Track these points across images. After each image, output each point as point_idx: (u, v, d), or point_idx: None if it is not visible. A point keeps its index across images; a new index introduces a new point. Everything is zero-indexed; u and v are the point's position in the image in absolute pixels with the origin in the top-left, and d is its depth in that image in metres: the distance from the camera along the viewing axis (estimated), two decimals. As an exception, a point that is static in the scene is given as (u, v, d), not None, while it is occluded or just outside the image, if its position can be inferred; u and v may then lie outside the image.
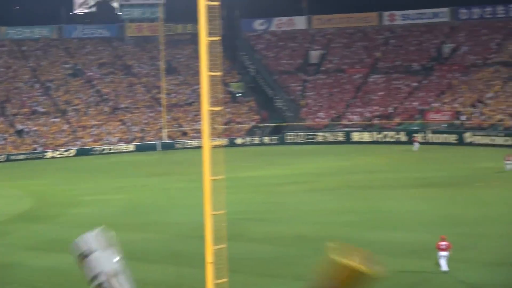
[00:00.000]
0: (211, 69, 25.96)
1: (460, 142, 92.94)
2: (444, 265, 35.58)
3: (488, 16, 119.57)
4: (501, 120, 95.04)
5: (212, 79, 26.40)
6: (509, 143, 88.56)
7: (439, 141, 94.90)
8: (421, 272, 36.02)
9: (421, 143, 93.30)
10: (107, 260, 6.16)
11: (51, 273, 39.37)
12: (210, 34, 25.71)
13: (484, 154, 78.59)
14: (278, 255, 40.98)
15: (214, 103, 26.58)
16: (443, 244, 35.72)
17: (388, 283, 34.61)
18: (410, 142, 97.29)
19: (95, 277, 6.67)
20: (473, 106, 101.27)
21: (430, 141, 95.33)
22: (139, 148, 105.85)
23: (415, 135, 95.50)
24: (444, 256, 35.55)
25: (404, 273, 35.88)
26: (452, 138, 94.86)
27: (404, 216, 49.72)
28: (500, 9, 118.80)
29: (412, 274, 35.53)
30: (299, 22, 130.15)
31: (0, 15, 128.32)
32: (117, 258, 7.10)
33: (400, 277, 35.29)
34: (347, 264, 2.76)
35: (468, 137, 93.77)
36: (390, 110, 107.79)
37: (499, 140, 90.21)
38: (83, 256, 6.31)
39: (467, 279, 34.72)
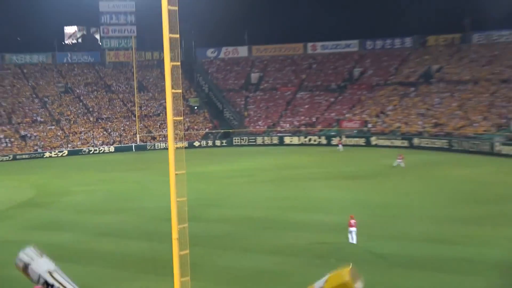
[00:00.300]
0: (173, 87, 26.06)
1: (368, 144, 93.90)
2: (352, 239, 36.26)
3: (388, 46, 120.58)
4: (398, 127, 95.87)
5: (175, 95, 26.50)
6: (405, 144, 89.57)
7: (351, 143, 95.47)
8: (336, 243, 36.42)
9: (336, 145, 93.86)
10: (45, 263, 6.47)
11: (50, 247, 39.03)
12: (172, 60, 25.81)
13: (385, 154, 79.31)
14: (228, 232, 41.09)
15: (176, 114, 26.68)
16: (352, 222, 36.39)
17: (311, 252, 35.13)
18: (329, 144, 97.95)
19: (39, 278, 6.83)
20: (377, 116, 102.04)
21: (344, 143, 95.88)
22: (118, 149, 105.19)
23: (339, 138, 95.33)
24: (352, 231, 36.27)
25: (324, 244, 36.41)
26: (361, 141, 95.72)
27: (325, 202, 50.15)
28: (397, 41, 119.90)
29: (330, 245, 35.96)
30: (242, 51, 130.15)
31: (5, 44, 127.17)
32: (51, 262, 7.32)
33: (320, 247, 35.92)
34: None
35: (373, 140, 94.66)
36: (313, 119, 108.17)
37: (397, 143, 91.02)
38: (26, 266, 6.54)
39: (372, 249, 35.13)
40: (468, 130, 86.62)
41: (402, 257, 33.16)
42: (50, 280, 3.23)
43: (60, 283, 3.17)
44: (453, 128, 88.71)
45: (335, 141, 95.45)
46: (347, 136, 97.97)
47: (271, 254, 35.05)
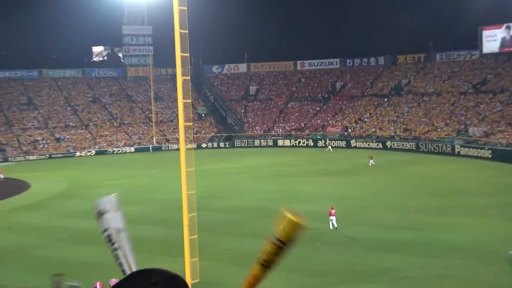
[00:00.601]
0: (184, 98, 26.01)
1: (348, 146, 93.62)
2: (332, 225, 36.83)
3: (365, 64, 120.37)
4: (374, 132, 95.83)
5: (185, 104, 26.44)
6: (379, 146, 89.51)
7: (334, 145, 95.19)
8: (319, 229, 36.46)
9: (321, 147, 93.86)
10: (115, 219, 6.23)
11: (82, 232, 39.15)
12: (184, 74, 25.79)
13: (362, 154, 79.18)
14: (230, 220, 41.14)
15: (187, 120, 26.63)
16: (332, 211, 36.99)
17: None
18: (316, 146, 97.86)
19: (105, 230, 6.68)
20: (356, 122, 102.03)
21: (330, 145, 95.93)
22: (137, 150, 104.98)
23: (329, 141, 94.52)
24: (333, 219, 36.86)
25: (310, 230, 36.30)
26: (343, 143, 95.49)
27: (311, 194, 50.23)
28: (372, 59, 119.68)
29: (313, 231, 35.87)
30: (242, 67, 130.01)
31: (43, 61, 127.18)
32: (122, 219, 7.12)
33: (307, 232, 35.77)
34: (292, 217, 2.79)
35: (353, 143, 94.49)
36: (302, 125, 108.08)
37: (373, 145, 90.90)
38: (100, 214, 6.33)
39: (351, 235, 35.19)
40: (432, 134, 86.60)
41: (376, 242, 33.20)
42: (114, 238, 3.10)
43: (121, 246, 3.06)
44: (419, 133, 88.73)
45: (327, 143, 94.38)
46: (330, 139, 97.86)
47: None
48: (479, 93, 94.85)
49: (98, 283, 18.05)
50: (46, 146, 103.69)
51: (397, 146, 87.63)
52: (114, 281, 17.90)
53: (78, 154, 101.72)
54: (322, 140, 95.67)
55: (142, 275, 2.30)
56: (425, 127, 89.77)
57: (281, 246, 2.56)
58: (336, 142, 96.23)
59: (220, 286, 26.39)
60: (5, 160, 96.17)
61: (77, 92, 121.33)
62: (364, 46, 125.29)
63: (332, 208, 37.22)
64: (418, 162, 71.47)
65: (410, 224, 36.97)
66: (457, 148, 77.88)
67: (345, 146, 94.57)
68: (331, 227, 36.71)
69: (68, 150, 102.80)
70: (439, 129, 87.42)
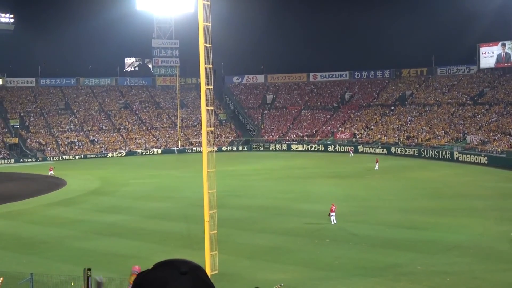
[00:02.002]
0: (207, 105, 25.89)
1: (356, 151, 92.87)
2: (333, 221, 37.00)
3: (372, 76, 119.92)
4: (379, 138, 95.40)
5: (208, 111, 26.34)
6: (384, 152, 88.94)
7: (344, 150, 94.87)
8: (323, 224, 36.50)
9: (331, 152, 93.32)
10: None
11: (112, 226, 39.20)
12: (207, 84, 25.68)
13: (369, 159, 78.77)
14: (247, 217, 40.95)
15: (209, 125, 26.52)
16: (333, 208, 37.34)
17: (311, 233, 34.83)
18: (326, 150, 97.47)
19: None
20: (363, 130, 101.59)
21: (338, 150, 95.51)
22: (164, 152, 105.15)
23: (350, 147, 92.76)
24: (333, 215, 37.16)
25: (314, 225, 36.30)
26: (348, 148, 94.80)
27: (321, 195, 49.78)
28: (378, 72, 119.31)
29: (318, 226, 35.98)
30: (260, 78, 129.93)
31: (80, 70, 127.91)
32: None
33: (311, 227, 35.69)
34: None
35: (360, 148, 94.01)
36: (314, 131, 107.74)
37: (378, 150, 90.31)
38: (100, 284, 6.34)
39: (357, 233, 34.87)
40: (433, 142, 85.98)
41: (381, 239, 32.87)
42: None
43: None
44: (421, 140, 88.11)
45: (349, 149, 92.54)
46: (339, 145, 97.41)
47: (280, 234, 34.85)
48: (477, 105, 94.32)
49: (137, 267, 17.79)
50: (81, 147, 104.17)
51: (400, 152, 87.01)
52: (137, 268, 17.66)
53: (110, 155, 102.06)
54: (350, 147, 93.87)
55: (170, 265, 2.20)
56: (426, 135, 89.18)
57: None
58: (345, 147, 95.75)
59: (237, 278, 26.21)
60: (44, 159, 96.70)
61: (110, 99, 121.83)
62: (372, 60, 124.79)
63: (333, 205, 37.39)
64: (420, 167, 70.87)
65: (413, 224, 36.58)
66: (456, 154, 77.20)
67: (353, 151, 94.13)
68: (332, 223, 36.79)
69: (101, 151, 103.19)
70: (439, 137, 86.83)
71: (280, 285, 17.76)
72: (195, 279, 2.15)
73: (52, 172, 72.01)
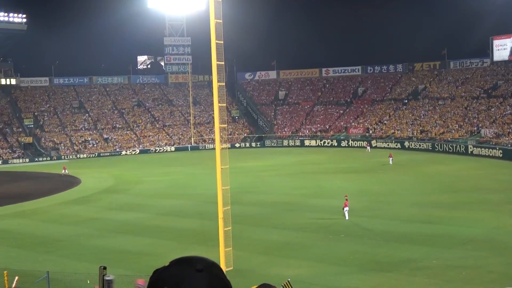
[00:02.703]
0: (220, 102, 25.89)
1: (370, 146, 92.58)
2: (346, 215, 36.98)
3: (384, 71, 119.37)
4: (393, 133, 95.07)
5: (220, 108, 26.33)
6: (398, 146, 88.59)
7: (357, 145, 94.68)
8: (337, 219, 36.62)
9: (344, 147, 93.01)
10: None
11: (126, 223, 39.36)
12: (219, 81, 25.68)
13: (383, 154, 78.44)
14: (261, 213, 40.97)
15: (222, 122, 26.52)
16: (346, 203, 37.27)
17: (325, 229, 34.78)
18: (340, 146, 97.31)
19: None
20: (376, 124, 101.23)
21: (352, 145, 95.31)
22: (177, 149, 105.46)
23: (368, 142, 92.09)
24: (346, 210, 37.09)
25: (328, 220, 36.29)
26: (364, 143, 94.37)
27: (335, 190, 49.56)
28: (391, 67, 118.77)
29: (332, 221, 36.11)
30: (272, 74, 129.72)
31: (93, 69, 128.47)
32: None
33: (325, 222, 35.69)
34: None
35: (373, 143, 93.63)
36: (327, 126, 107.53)
37: (392, 145, 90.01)
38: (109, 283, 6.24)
39: (372, 227, 34.78)
40: (447, 136, 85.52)
41: (396, 234, 32.74)
42: None
43: None
44: (435, 134, 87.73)
45: (366, 144, 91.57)
46: (353, 140, 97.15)
47: (294, 230, 34.83)
48: (491, 98, 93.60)
49: (140, 281, 17.38)
50: (95, 145, 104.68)
51: (414, 146, 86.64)
52: (141, 281, 17.27)
53: (123, 153, 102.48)
54: (366, 142, 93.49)
55: (185, 262, 2.18)
56: (440, 129, 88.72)
57: None
58: (358, 142, 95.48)
59: (252, 274, 26.19)
60: (59, 158, 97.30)
61: (123, 97, 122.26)
62: (384, 54, 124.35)
63: (346, 200, 37.34)
64: (434, 161, 70.51)
65: (427, 218, 36.40)
66: (470, 148, 76.73)
67: (369, 146, 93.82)
68: (347, 217, 36.68)
69: (115, 149, 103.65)
70: (453, 131, 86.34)
71: (288, 281, 17.70)
72: (211, 276, 2.13)
73: (66, 171, 72.46)
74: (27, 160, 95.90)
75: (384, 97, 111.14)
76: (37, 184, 66.11)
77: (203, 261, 2.19)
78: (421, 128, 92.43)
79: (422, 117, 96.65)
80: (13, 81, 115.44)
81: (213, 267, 2.19)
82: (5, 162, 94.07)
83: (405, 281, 24.67)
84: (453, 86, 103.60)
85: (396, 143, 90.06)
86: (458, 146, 79.43)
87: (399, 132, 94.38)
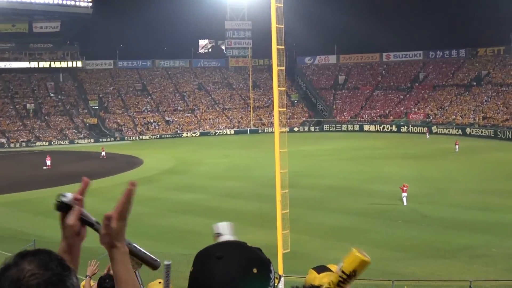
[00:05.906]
0: (279, 86, 25.94)
1: (430, 132, 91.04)
2: (404, 201, 36.68)
3: (446, 56, 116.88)
4: (454, 119, 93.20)
5: (280, 92, 26.39)
6: (459, 133, 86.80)
7: (417, 131, 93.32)
8: (395, 205, 36.41)
9: (404, 132, 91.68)
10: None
11: (186, 204, 40.03)
12: (279, 65, 25.70)
13: (443, 140, 77.12)
14: (317, 197, 40.96)
15: (281, 106, 26.58)
16: (404, 188, 36.95)
17: (382, 214, 34.54)
18: (399, 131, 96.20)
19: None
20: (437, 110, 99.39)
21: (411, 131, 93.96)
22: (236, 132, 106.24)
23: (427, 129, 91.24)
24: (404, 195, 36.73)
25: (386, 205, 35.96)
26: (424, 129, 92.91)
27: (392, 175, 48.94)
28: (453, 52, 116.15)
29: (390, 206, 35.82)
30: (332, 59, 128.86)
31: (156, 53, 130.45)
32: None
33: (383, 207, 35.34)
34: (358, 255, 2.60)
35: (434, 129, 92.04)
36: (387, 112, 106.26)
37: (453, 131, 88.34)
38: (218, 235, 6.28)
39: (430, 214, 34.35)
40: (510, 123, 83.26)
41: (454, 221, 32.24)
42: None
43: None
44: (498, 121, 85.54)
45: (426, 130, 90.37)
46: (413, 125, 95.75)
47: (351, 214, 34.73)
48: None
49: None
50: (157, 127, 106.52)
51: (476, 132, 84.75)
52: None
53: (184, 135, 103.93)
54: (426, 128, 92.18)
55: (206, 251, 2.22)
56: (503, 116, 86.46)
57: (345, 278, 2.57)
58: (418, 128, 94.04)
59: (309, 257, 26.26)
60: (122, 139, 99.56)
61: (184, 80, 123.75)
62: (446, 39, 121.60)
63: (405, 185, 37.03)
64: (496, 148, 68.74)
65: (487, 206, 35.64)
66: (535, 135, 74.54)
67: (428, 132, 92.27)
68: (405, 203, 36.45)
69: (176, 131, 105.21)
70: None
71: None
72: (230, 263, 2.10)
73: (104, 153, 72.93)
74: (92, 140, 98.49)
75: (445, 83, 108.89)
76: (101, 164, 67.71)
77: (225, 248, 2.21)
78: (483, 114, 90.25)
79: (485, 103, 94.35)
80: (79, 64, 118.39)
81: (235, 253, 2.17)
82: (71, 142, 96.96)
83: (463, 269, 24.31)
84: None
85: (457, 130, 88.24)
86: (522, 133, 77.21)
87: (460, 118, 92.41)
